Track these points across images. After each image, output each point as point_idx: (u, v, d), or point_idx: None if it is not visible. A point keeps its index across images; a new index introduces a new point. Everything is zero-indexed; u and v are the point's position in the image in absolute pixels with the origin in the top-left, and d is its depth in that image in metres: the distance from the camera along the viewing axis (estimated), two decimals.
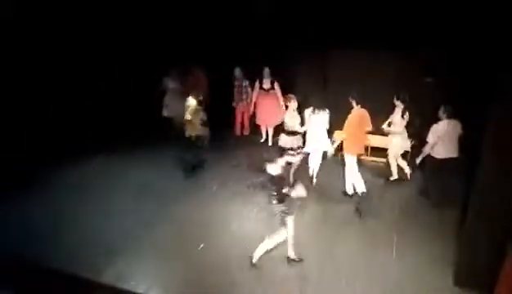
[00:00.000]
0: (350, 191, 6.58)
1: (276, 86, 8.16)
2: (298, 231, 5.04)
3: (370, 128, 6.45)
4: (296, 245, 5.09)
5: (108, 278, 4.87)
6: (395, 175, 7.11)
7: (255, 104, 8.47)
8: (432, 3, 6.46)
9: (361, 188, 6.40)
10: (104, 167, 7.63)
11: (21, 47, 7.11)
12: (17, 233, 5.62)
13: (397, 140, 6.86)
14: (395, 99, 6.70)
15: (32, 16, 7.17)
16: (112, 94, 8.26)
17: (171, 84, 8.31)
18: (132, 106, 8.38)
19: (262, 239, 5.05)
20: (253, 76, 8.34)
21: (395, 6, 6.65)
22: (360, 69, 7.43)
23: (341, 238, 5.56)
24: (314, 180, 6.91)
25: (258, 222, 5.92)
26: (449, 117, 6.00)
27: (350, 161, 6.42)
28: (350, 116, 6.31)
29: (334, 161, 7.14)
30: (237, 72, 8.43)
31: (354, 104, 6.31)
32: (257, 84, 8.27)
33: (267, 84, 8.20)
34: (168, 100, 8.37)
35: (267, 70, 8.09)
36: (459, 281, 4.62)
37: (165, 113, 8.45)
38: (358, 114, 6.31)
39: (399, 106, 6.67)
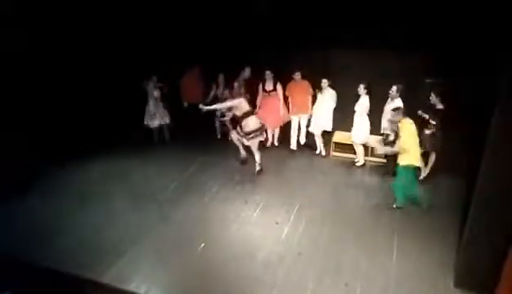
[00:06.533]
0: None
1: (279, 87, 8.12)
2: None
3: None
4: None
5: (108, 279, 4.89)
6: None
7: (259, 106, 8.33)
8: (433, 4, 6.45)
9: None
10: (104, 167, 7.67)
11: (20, 48, 7.12)
12: (17, 233, 5.66)
13: None
14: (395, 90, 6.70)
15: (34, 15, 7.21)
16: (112, 96, 8.31)
17: (155, 93, 8.39)
18: (132, 108, 8.43)
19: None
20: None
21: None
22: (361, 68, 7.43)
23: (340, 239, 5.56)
24: None
25: (258, 222, 5.95)
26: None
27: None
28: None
29: None
30: (247, 72, 8.28)
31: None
32: (260, 87, 8.22)
33: (269, 86, 8.15)
34: (152, 108, 8.45)
35: (268, 73, 8.05)
36: (459, 282, 4.60)
37: (154, 123, 8.57)
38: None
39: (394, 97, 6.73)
